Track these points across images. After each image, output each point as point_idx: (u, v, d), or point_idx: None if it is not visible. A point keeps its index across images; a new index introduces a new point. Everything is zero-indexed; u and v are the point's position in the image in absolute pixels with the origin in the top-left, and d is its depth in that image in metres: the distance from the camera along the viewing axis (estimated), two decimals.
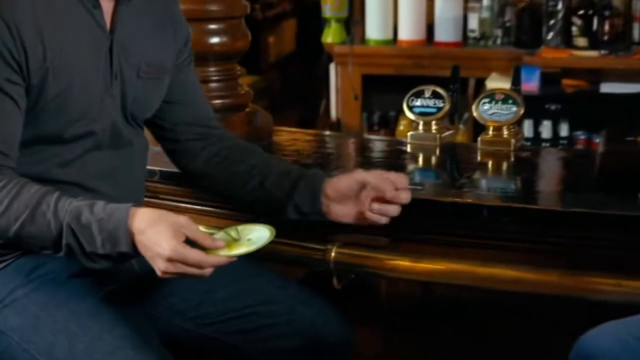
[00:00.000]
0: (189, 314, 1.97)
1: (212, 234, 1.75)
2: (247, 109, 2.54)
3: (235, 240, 1.75)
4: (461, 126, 4.06)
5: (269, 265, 2.09)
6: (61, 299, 1.80)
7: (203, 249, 1.68)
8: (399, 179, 1.90)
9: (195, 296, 1.98)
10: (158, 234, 1.65)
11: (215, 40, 2.46)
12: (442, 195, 2.14)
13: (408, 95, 2.57)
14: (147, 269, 1.94)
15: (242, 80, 2.57)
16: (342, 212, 1.94)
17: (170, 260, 1.64)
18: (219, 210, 2.30)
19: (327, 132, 2.93)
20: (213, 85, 2.48)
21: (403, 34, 4.16)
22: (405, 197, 1.90)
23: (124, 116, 1.93)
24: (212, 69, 2.49)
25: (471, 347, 2.27)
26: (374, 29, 4.16)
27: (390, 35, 4.17)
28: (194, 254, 1.65)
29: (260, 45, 7.66)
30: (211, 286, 1.97)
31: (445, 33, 4.13)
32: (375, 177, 1.89)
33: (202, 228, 1.80)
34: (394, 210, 1.91)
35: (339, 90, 4.31)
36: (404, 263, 2.11)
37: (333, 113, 4.37)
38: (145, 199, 2.33)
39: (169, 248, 1.63)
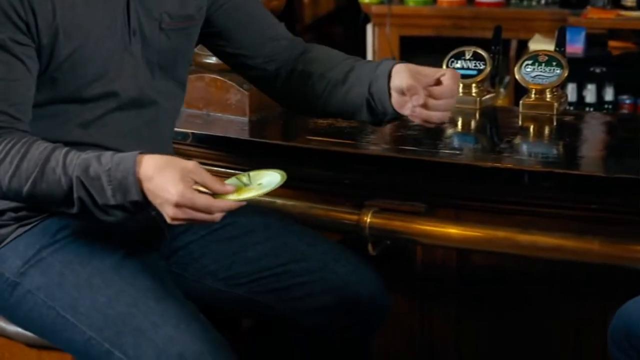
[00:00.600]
0: (220, 275, 1.97)
1: (224, 180, 1.74)
2: None
3: (245, 186, 1.73)
4: (502, 89, 4.02)
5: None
6: (85, 257, 1.81)
7: (213, 196, 1.67)
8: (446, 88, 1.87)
9: (227, 256, 1.97)
10: (165, 180, 1.63)
11: None
12: (481, 160, 2.12)
13: (448, 57, 2.54)
14: (176, 231, 1.96)
15: None
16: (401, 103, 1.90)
17: (178, 205, 1.62)
18: None
19: None
20: None
21: None
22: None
23: (152, 73, 1.91)
24: None
25: (508, 316, 2.25)
26: None
27: None
28: (202, 199, 1.63)
29: (295, 6, 7.63)
30: (242, 246, 1.97)
31: None
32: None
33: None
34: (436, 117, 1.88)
35: (375, 52, 4.28)
36: (440, 229, 2.10)
37: None
38: None
39: (176, 193, 1.61)
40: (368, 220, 2.12)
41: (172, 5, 1.90)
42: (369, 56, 4.34)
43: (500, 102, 3.83)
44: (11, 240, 1.87)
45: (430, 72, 1.87)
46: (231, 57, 2.10)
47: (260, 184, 1.73)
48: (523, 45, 3.97)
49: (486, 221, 2.10)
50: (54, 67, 1.77)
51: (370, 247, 2.14)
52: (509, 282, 2.23)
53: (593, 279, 2.11)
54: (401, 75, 1.88)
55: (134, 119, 1.89)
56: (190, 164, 1.66)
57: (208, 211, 1.64)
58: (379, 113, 1.95)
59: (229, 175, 2.16)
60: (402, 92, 1.87)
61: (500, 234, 2.06)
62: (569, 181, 2.01)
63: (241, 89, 2.38)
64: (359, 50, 4.54)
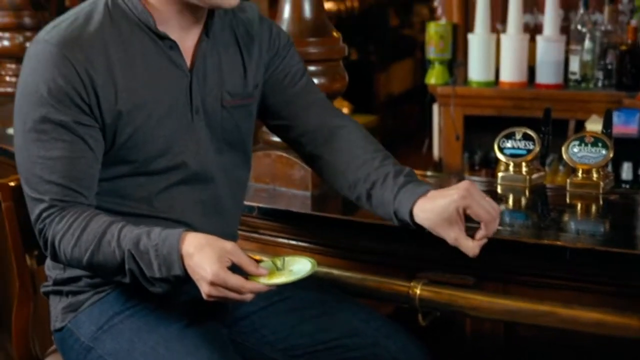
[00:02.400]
0: (278, 346, 1.99)
1: (261, 261, 1.79)
2: None
3: (278, 270, 1.78)
4: (561, 167, 4.00)
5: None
6: (152, 325, 1.86)
7: (247, 277, 1.72)
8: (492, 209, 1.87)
9: (284, 328, 2.00)
10: (203, 258, 1.69)
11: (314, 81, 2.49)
12: (528, 237, 2.12)
13: (499, 137, 2.56)
14: (240, 303, 2.00)
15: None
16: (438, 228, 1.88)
17: (212, 284, 1.68)
18: (316, 246, 2.34)
19: (424, 172, 2.91)
20: None
21: (505, 76, 4.13)
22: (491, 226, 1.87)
23: (215, 148, 1.96)
24: None
25: None
26: (477, 70, 4.15)
27: (492, 77, 4.16)
28: (234, 280, 1.69)
29: (372, 85, 7.74)
30: (299, 319, 2.00)
31: (546, 75, 4.09)
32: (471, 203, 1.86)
33: (265, 259, 1.84)
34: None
35: (441, 130, 4.31)
36: (488, 302, 2.10)
37: (435, 152, 4.37)
38: (245, 233, 2.39)
39: (211, 272, 1.67)
40: (418, 292, 2.13)
41: (232, 84, 1.96)
42: (436, 134, 4.37)
43: (559, 180, 3.83)
44: (87, 307, 1.93)
45: (446, 203, 1.85)
46: (275, 129, 2.13)
47: (291, 271, 1.78)
48: (581, 125, 3.96)
49: (532, 295, 2.09)
50: (118, 146, 1.84)
51: (420, 318, 2.15)
52: (555, 354, 2.21)
53: (633, 354, 2.08)
54: (429, 220, 1.87)
55: (198, 192, 1.94)
56: (229, 245, 1.72)
57: (239, 292, 1.70)
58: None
59: (295, 248, 2.21)
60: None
61: (544, 308, 2.04)
62: (610, 259, 2.00)
63: (304, 165, 2.43)
64: (427, 127, 4.58)
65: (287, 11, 2.50)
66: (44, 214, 1.79)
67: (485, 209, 1.85)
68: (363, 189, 1.98)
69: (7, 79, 3.54)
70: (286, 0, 2.50)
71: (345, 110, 6.70)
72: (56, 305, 1.98)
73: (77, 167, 1.80)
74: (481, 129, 4.20)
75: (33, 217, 1.82)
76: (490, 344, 2.27)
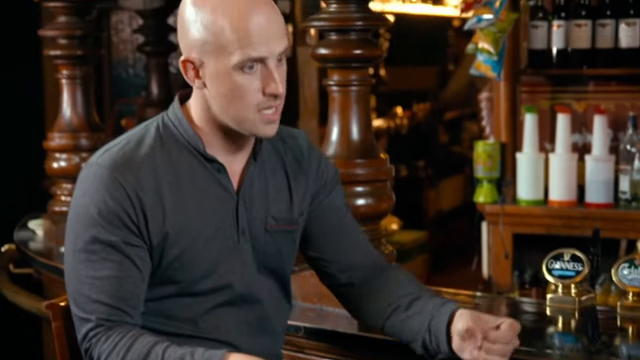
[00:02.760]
0: None
1: None
2: None
3: None
4: (613, 288, 3.94)
5: None
6: None
7: None
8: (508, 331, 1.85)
9: None
10: None
11: (360, 202, 2.52)
12: None
13: (547, 258, 2.55)
14: None
15: (401, 235, 2.62)
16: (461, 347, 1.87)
17: None
18: None
19: (471, 292, 2.89)
20: None
21: (554, 195, 4.11)
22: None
23: (258, 270, 1.97)
24: None
25: None
26: (525, 189, 4.13)
27: (541, 196, 4.14)
28: None
29: (421, 201, 7.75)
30: None
31: (596, 194, 4.06)
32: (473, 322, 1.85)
33: None
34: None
35: (490, 248, 4.28)
36: None
37: (485, 270, 4.34)
38: (290, 353, 2.38)
39: None
40: None
41: (277, 210, 1.99)
42: (485, 252, 4.34)
43: (611, 300, 3.76)
44: None
45: (490, 319, 1.86)
46: (311, 260, 2.15)
47: None
48: (632, 245, 3.91)
49: None
50: (165, 266, 1.86)
51: None
52: None
53: None
54: (463, 318, 1.87)
55: (243, 313, 1.95)
56: None
57: None
58: (432, 349, 1.94)
59: None
60: (463, 337, 1.85)
61: None
62: None
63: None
64: (476, 245, 4.56)
65: (335, 133, 2.55)
66: (90, 334, 1.82)
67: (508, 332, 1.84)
68: (406, 299, 2.00)
69: (63, 198, 3.61)
70: (334, 122, 2.55)
71: (394, 227, 6.70)
72: None
73: (124, 287, 1.82)
74: (531, 248, 4.17)
75: (80, 336, 1.85)
76: None
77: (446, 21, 8.32)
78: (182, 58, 1.86)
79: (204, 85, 1.85)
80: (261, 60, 1.82)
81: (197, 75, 1.85)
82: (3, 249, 3.75)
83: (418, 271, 6.56)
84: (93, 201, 1.82)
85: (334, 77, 2.54)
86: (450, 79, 8.57)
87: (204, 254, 1.88)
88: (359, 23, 2.51)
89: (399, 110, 8.04)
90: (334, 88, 2.55)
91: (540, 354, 2.13)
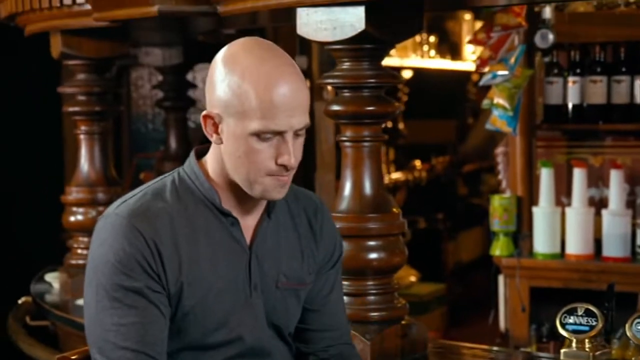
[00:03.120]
0: None
1: None
2: (402, 322, 2.57)
3: None
4: (631, 342, 3.91)
5: None
6: None
7: None
8: None
9: None
10: None
11: (373, 256, 2.53)
12: None
13: (561, 313, 2.54)
14: None
15: (419, 287, 2.63)
16: None
17: None
18: None
19: (487, 347, 2.88)
20: (370, 298, 2.54)
21: (570, 249, 4.10)
22: None
23: (268, 325, 1.97)
24: (370, 282, 2.55)
25: None
26: (542, 243, 4.13)
27: (557, 250, 4.13)
28: None
29: (440, 253, 7.74)
30: None
31: (613, 249, 4.05)
32: None
33: None
34: None
35: (507, 301, 4.26)
36: None
37: (502, 324, 4.32)
38: None
39: None
40: None
41: (288, 268, 1.99)
42: (501, 304, 4.33)
43: (629, 354, 3.73)
44: None
45: None
46: None
47: None
48: None
49: None
50: (179, 317, 1.87)
51: None
52: None
53: None
54: None
55: None
56: None
57: None
58: None
59: None
60: None
61: None
62: None
63: (363, 338, 2.43)
64: (493, 297, 4.55)
65: (347, 188, 2.57)
66: None
67: None
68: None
69: (79, 251, 3.64)
70: (347, 177, 2.57)
71: (412, 279, 6.69)
72: None
73: (150, 332, 1.82)
74: (548, 301, 4.15)
75: None
76: None
77: (465, 75, 8.37)
78: (204, 112, 1.89)
79: (221, 141, 1.88)
80: (279, 133, 1.84)
81: (216, 131, 1.88)
82: (20, 301, 3.77)
83: (435, 324, 6.52)
84: (112, 250, 1.83)
85: (347, 133, 2.56)
86: (469, 132, 8.59)
87: (216, 306, 1.89)
88: (372, 80, 2.54)
89: (417, 163, 8.06)
90: (347, 144, 2.58)
91: None
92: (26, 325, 3.59)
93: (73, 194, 3.63)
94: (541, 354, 3.06)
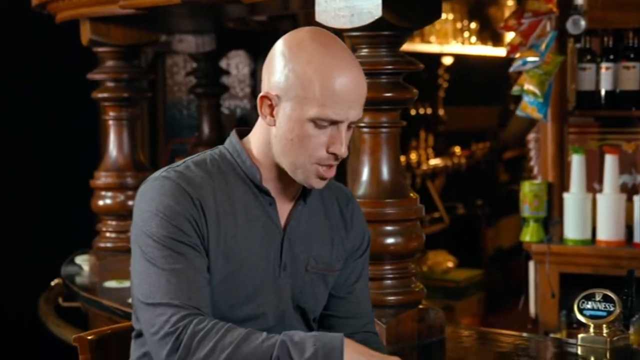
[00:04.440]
0: None
1: None
2: (419, 306, 2.58)
3: None
4: None
5: None
6: None
7: None
8: None
9: None
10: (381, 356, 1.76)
11: (390, 240, 2.54)
12: None
13: (579, 298, 2.55)
14: None
15: (456, 273, 2.63)
16: None
17: None
18: None
19: (519, 333, 2.89)
20: (387, 282, 2.56)
21: (601, 235, 4.08)
22: None
23: (292, 306, 2.00)
24: (387, 267, 2.56)
25: None
26: (572, 229, 4.10)
27: (588, 236, 4.11)
28: None
29: (479, 239, 7.71)
30: None
31: None
32: None
33: None
34: None
35: (537, 287, 4.25)
36: None
37: (532, 309, 4.30)
38: None
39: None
40: None
41: (318, 253, 2.02)
42: (531, 290, 4.32)
43: None
44: None
45: None
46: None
47: None
48: None
49: None
50: (212, 287, 1.89)
51: None
52: None
53: None
54: None
55: None
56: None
57: None
58: None
59: None
60: None
61: None
62: None
63: (379, 322, 2.45)
64: (524, 285, 4.54)
65: (365, 174, 2.59)
66: (174, 318, 1.78)
67: None
68: None
69: (108, 234, 3.69)
70: (364, 163, 2.59)
71: (449, 265, 6.68)
72: None
73: (197, 281, 1.84)
74: (578, 287, 4.11)
75: (160, 322, 1.80)
76: None
77: (507, 61, 8.31)
78: (262, 93, 1.92)
79: (274, 123, 1.91)
80: (335, 122, 1.88)
81: (271, 113, 1.91)
82: (52, 283, 3.85)
83: (472, 310, 6.52)
84: (162, 205, 1.85)
85: (365, 119, 2.58)
86: (510, 119, 8.55)
87: (247, 281, 1.92)
88: (390, 67, 2.55)
89: (457, 149, 8.04)
90: (365, 130, 2.59)
91: None
92: (59, 306, 3.66)
93: (102, 178, 3.68)
94: (558, 339, 3.04)
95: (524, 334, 2.78)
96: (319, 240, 2.03)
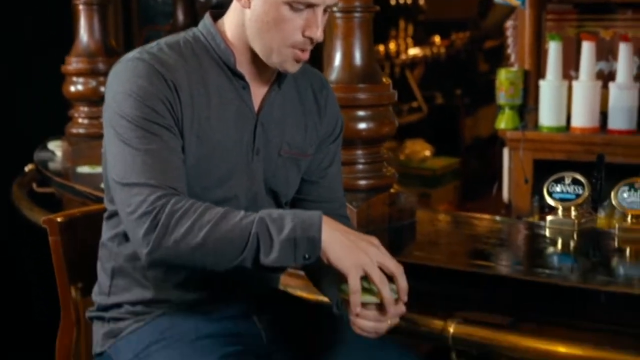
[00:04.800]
0: None
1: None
2: (391, 190, 2.60)
3: (366, 290, 1.76)
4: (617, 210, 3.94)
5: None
6: (187, 356, 1.89)
7: None
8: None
9: None
10: (357, 234, 1.77)
11: (362, 126, 2.55)
12: (567, 280, 2.12)
13: (548, 181, 2.58)
14: (274, 337, 2.04)
15: (433, 161, 2.64)
16: None
17: (375, 245, 1.75)
18: None
19: (492, 217, 2.93)
20: (359, 167, 2.57)
21: (576, 122, 4.09)
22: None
23: (265, 191, 2.02)
24: (359, 152, 2.57)
25: None
26: (547, 116, 4.12)
27: (563, 122, 4.12)
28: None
29: (458, 129, 7.75)
30: (332, 356, 2.02)
31: (619, 121, 4.04)
32: None
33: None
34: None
35: (511, 172, 4.29)
36: (523, 342, 2.09)
37: (505, 195, 4.35)
38: (290, 270, 2.44)
39: (375, 239, 1.76)
40: (452, 330, 2.14)
41: (292, 137, 2.03)
42: (505, 177, 4.36)
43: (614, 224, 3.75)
44: (126, 334, 1.99)
45: None
46: None
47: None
48: None
49: (567, 337, 2.08)
50: (186, 169, 1.88)
51: (454, 356, 2.17)
52: None
53: None
54: None
55: None
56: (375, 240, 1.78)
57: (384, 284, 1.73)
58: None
59: None
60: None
61: (579, 351, 2.03)
62: None
63: (350, 206, 2.47)
64: (498, 172, 4.58)
65: (338, 59, 2.57)
66: (151, 197, 1.77)
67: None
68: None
69: (80, 120, 3.68)
70: (337, 48, 2.58)
71: (427, 153, 6.73)
72: (98, 330, 2.04)
73: (173, 163, 1.84)
74: (551, 173, 4.15)
75: (136, 202, 1.78)
76: None
77: None
78: None
79: (249, 5, 1.89)
80: (311, 5, 1.86)
81: None
82: (26, 169, 3.85)
83: (449, 197, 6.60)
84: (136, 86, 1.83)
85: (338, 4, 2.55)
86: (491, 8, 8.48)
87: (220, 164, 1.92)
88: None
89: (436, 39, 7.99)
90: (338, 14, 2.57)
91: (536, 274, 2.16)
92: (33, 192, 3.67)
93: (73, 64, 3.65)
94: (526, 221, 3.07)
95: (495, 217, 2.81)
96: (293, 126, 2.04)
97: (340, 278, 1.79)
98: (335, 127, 2.13)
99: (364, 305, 1.75)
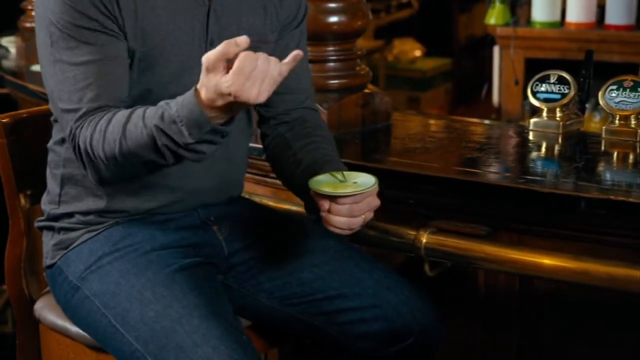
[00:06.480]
0: (275, 293, 2.02)
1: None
2: (365, 90, 2.57)
3: (341, 182, 1.78)
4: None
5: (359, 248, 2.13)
6: (141, 268, 1.89)
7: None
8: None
9: (282, 276, 2.02)
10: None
11: (333, 19, 2.49)
12: (547, 186, 2.10)
13: (533, 80, 2.54)
14: (236, 247, 2.04)
15: (423, 62, 2.59)
16: None
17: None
18: None
19: (455, 117, 2.89)
20: (330, 65, 2.52)
21: (571, 16, 4.04)
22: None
23: None
24: (331, 48, 2.52)
25: (570, 344, 2.23)
26: (540, 10, 4.06)
27: (557, 17, 4.07)
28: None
29: (451, 27, 7.65)
30: (299, 266, 2.02)
31: (616, 16, 3.99)
32: None
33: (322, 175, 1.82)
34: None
35: (502, 72, 4.25)
36: (499, 254, 2.08)
37: (495, 98, 4.32)
38: (256, 177, 2.43)
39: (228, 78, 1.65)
40: (424, 240, 2.13)
41: (249, 25, 1.98)
42: (495, 77, 4.32)
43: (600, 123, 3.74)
44: (78, 245, 1.98)
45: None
46: None
47: (355, 183, 1.79)
48: None
49: (547, 247, 2.08)
50: (135, 63, 1.86)
51: (427, 268, 2.16)
52: (574, 308, 2.21)
53: None
54: None
55: None
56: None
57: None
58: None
59: None
60: None
61: (558, 261, 2.03)
62: (628, 209, 1.97)
63: (321, 107, 2.44)
64: (488, 73, 4.54)
65: None
66: (74, 125, 1.80)
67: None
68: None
69: (33, 13, 3.61)
70: None
71: (417, 53, 6.66)
72: (48, 241, 2.03)
73: (111, 70, 1.81)
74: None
75: (67, 132, 1.83)
76: (504, 297, 2.27)
77: None
78: None
79: None
80: None
81: None
82: None
83: (439, 101, 6.55)
84: None
85: None
86: None
87: (171, 57, 1.88)
88: None
89: None
90: None
91: (514, 180, 2.14)
92: None
93: None
94: (500, 123, 3.06)
95: (477, 120, 2.78)
96: (250, 10, 1.98)
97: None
98: (298, 11, 2.07)
99: (335, 199, 1.75)
